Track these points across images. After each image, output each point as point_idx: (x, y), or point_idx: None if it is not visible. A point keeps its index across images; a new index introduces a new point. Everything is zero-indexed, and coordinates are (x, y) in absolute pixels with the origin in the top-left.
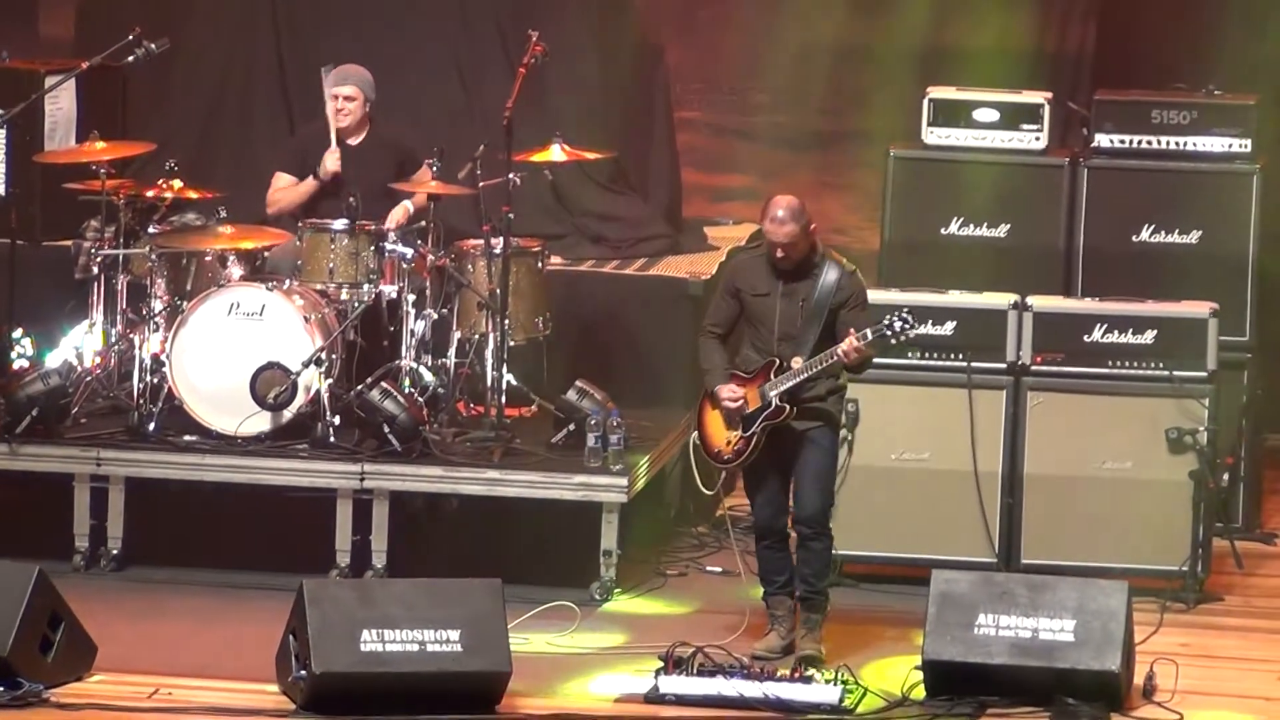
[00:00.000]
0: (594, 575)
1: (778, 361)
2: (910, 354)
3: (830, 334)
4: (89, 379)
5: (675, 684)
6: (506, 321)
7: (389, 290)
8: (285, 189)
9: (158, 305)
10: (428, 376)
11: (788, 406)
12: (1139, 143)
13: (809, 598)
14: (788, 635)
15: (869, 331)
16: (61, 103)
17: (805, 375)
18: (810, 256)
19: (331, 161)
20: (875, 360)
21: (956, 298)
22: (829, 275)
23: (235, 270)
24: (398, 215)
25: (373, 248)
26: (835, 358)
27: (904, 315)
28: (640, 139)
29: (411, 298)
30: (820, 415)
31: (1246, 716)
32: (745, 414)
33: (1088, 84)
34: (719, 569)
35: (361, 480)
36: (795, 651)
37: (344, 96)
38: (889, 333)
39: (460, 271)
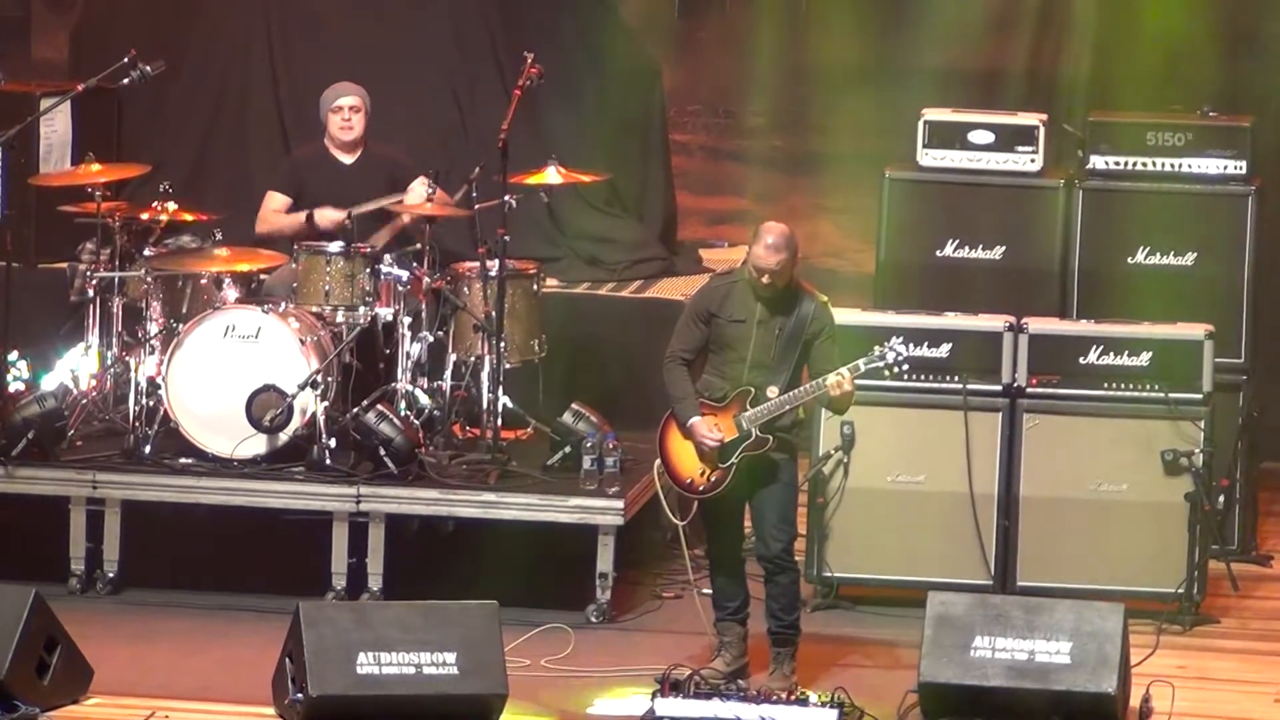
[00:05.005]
0: (590, 598)
1: (752, 391)
2: (906, 376)
3: (802, 366)
4: (85, 402)
5: (671, 706)
6: (502, 344)
7: (385, 313)
8: (278, 213)
9: (153, 328)
10: (423, 399)
11: (770, 437)
12: (1134, 164)
13: (779, 633)
14: (734, 661)
15: (861, 363)
16: (56, 125)
17: (786, 406)
18: (789, 286)
19: (329, 219)
20: (872, 382)
21: (952, 320)
22: (804, 306)
23: (231, 293)
24: (384, 235)
25: (368, 270)
26: (821, 390)
27: (895, 346)
28: (636, 161)
29: (407, 320)
30: (784, 447)
31: None
32: (724, 444)
33: (1083, 105)
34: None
35: (357, 503)
36: (745, 679)
37: (349, 107)
38: (881, 364)
39: (456, 294)
